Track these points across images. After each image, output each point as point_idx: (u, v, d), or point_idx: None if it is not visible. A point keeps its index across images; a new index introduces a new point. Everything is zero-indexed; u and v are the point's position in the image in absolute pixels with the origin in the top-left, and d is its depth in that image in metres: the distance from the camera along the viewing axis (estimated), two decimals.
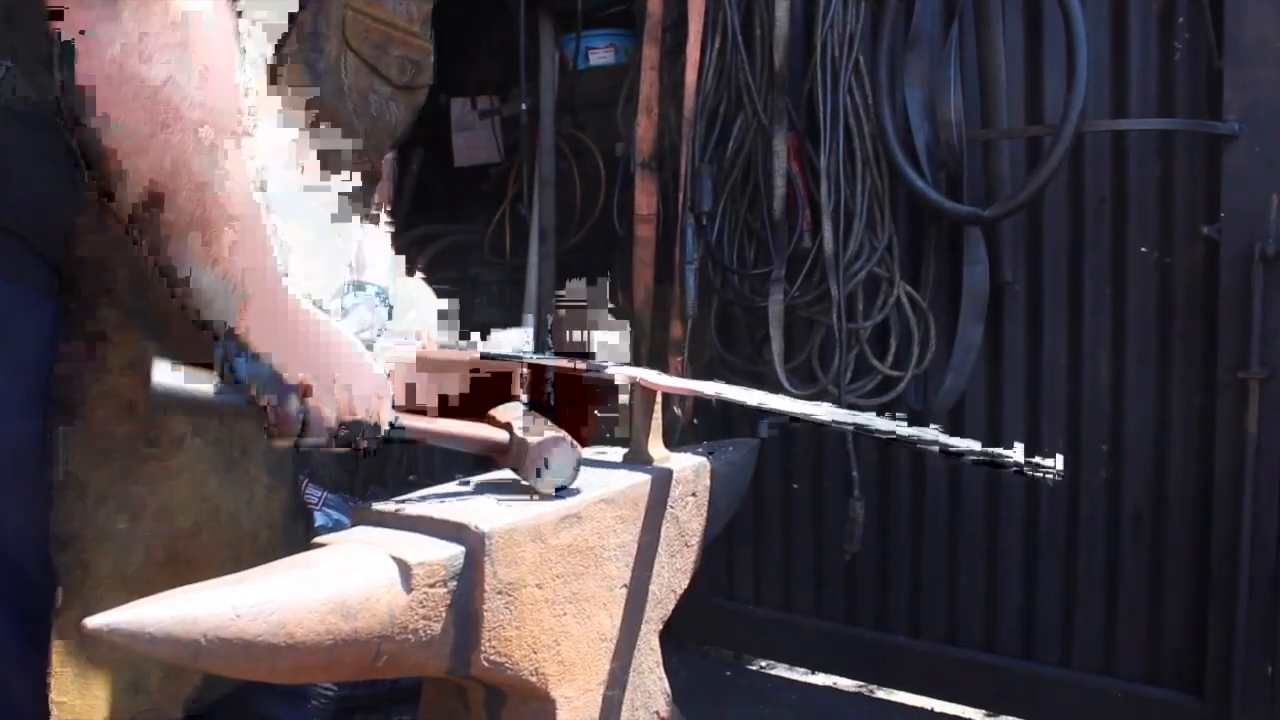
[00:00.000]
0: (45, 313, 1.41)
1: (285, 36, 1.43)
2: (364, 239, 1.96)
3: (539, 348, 3.39)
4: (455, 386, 1.50)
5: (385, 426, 1.29)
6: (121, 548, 1.48)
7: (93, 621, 0.94)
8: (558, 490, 1.35)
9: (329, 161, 1.54)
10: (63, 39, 1.10)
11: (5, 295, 1.39)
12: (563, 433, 1.36)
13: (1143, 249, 2.42)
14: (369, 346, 1.91)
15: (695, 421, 2.92)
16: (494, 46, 4.07)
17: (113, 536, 1.47)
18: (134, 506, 1.49)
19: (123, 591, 1.43)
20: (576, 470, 1.37)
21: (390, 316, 2.02)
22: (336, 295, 1.97)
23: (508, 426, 1.40)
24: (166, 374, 1.24)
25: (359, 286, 1.97)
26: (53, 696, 1.46)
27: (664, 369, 2.81)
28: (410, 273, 2.94)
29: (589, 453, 1.64)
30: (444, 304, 1.94)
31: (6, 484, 1.41)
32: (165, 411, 1.29)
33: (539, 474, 1.35)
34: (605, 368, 1.58)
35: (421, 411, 1.42)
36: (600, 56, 3.60)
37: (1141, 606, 2.47)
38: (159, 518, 1.51)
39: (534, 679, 1.30)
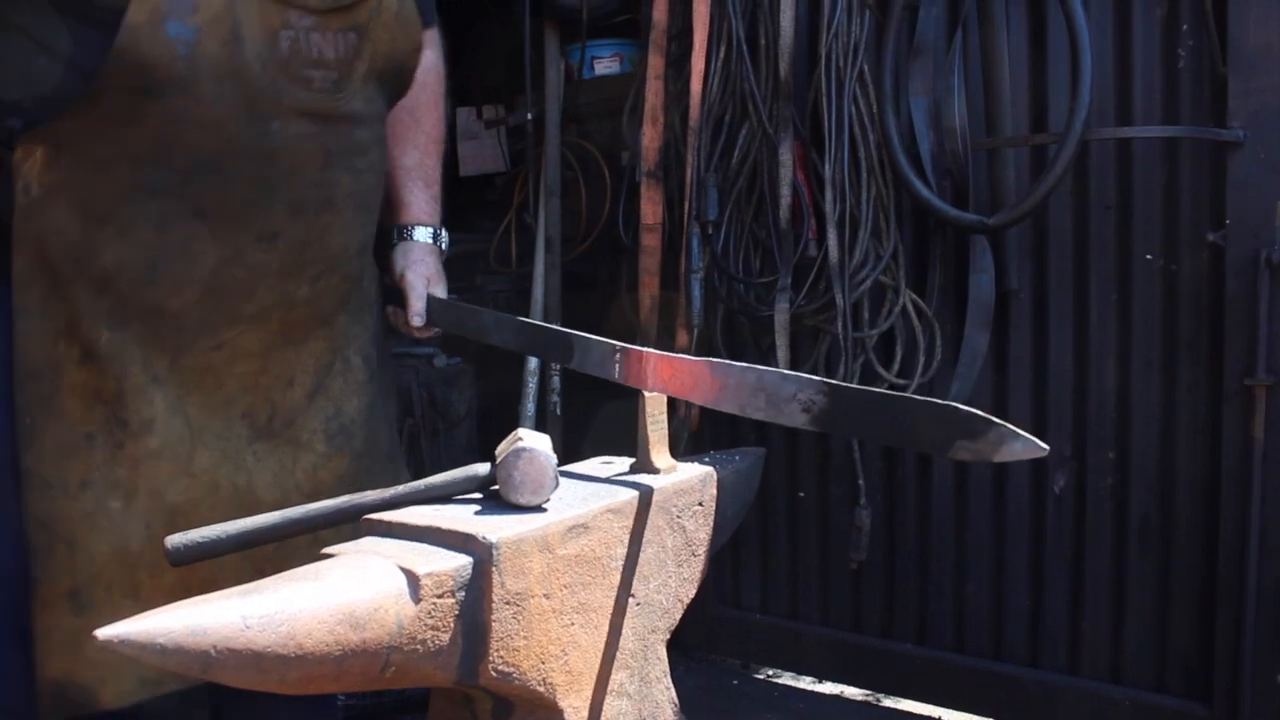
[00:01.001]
0: (5, 309, 1.44)
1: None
2: (398, 175, 1.92)
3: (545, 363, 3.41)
4: None
5: None
6: (119, 528, 1.50)
7: (104, 633, 0.95)
8: (536, 500, 1.34)
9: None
10: None
11: None
12: (533, 445, 1.35)
13: (1148, 256, 2.42)
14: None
15: (701, 430, 2.93)
16: (499, 56, 4.09)
17: (108, 517, 1.51)
18: (124, 488, 1.53)
19: (129, 568, 1.46)
20: (552, 479, 1.35)
21: (445, 249, 1.99)
22: (392, 244, 1.95)
23: (492, 459, 1.40)
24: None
25: (407, 232, 1.94)
26: (42, 660, 1.48)
27: None
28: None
29: (595, 463, 1.64)
30: None
31: None
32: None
33: (512, 488, 1.34)
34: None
35: None
36: (605, 66, 3.62)
37: (1149, 614, 2.46)
38: (150, 497, 1.52)
39: (542, 689, 1.30)
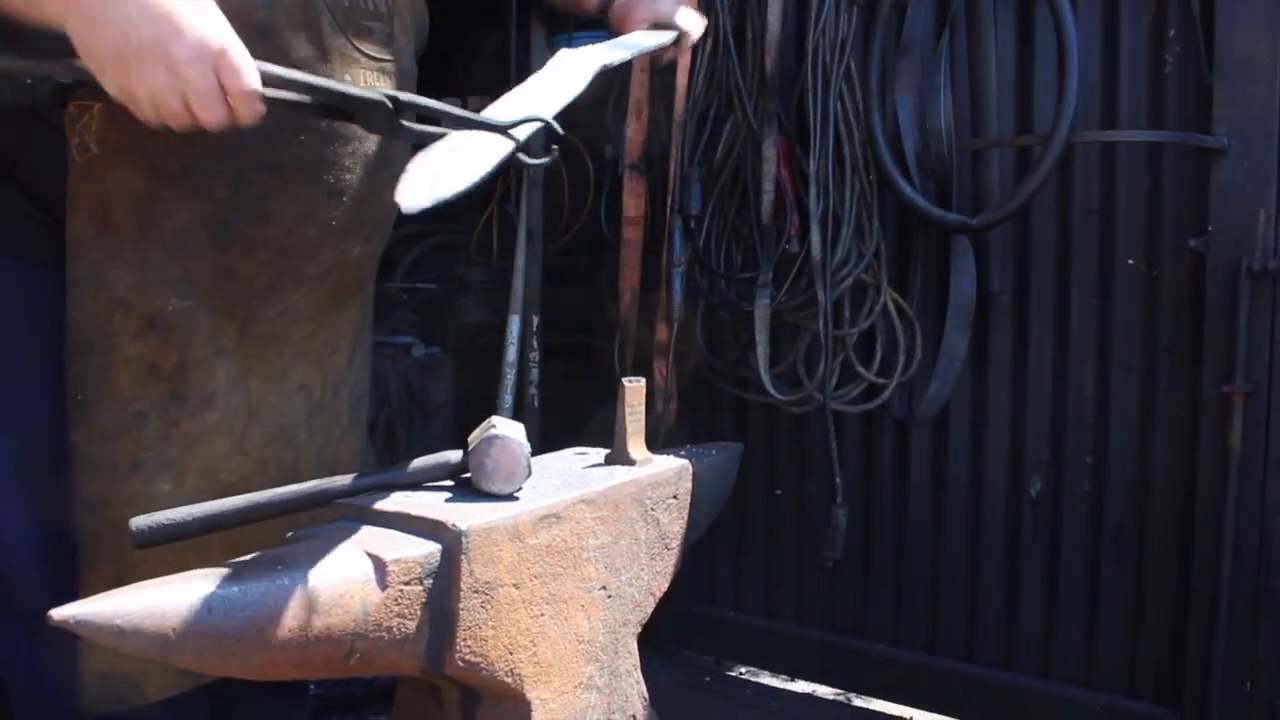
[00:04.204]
0: (59, 286, 1.40)
1: None
2: None
3: (524, 348, 3.39)
4: None
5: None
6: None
7: (59, 613, 0.92)
8: (508, 489, 1.33)
9: None
10: None
11: (31, 274, 1.41)
12: (506, 432, 1.34)
13: (1130, 261, 2.42)
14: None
15: (679, 424, 2.92)
16: (485, 47, 4.06)
17: (156, 500, 1.45)
18: (175, 469, 1.48)
19: (175, 553, 1.41)
20: (524, 468, 1.34)
21: None
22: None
23: (465, 445, 1.38)
24: None
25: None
26: (85, 651, 1.43)
27: (649, 373, 2.80)
28: (394, 275, 2.87)
29: (570, 453, 1.63)
30: None
31: (48, 457, 1.43)
32: None
33: (484, 475, 1.33)
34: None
35: None
36: None
37: (1122, 619, 2.47)
38: (203, 477, 1.49)
39: (509, 680, 1.28)
